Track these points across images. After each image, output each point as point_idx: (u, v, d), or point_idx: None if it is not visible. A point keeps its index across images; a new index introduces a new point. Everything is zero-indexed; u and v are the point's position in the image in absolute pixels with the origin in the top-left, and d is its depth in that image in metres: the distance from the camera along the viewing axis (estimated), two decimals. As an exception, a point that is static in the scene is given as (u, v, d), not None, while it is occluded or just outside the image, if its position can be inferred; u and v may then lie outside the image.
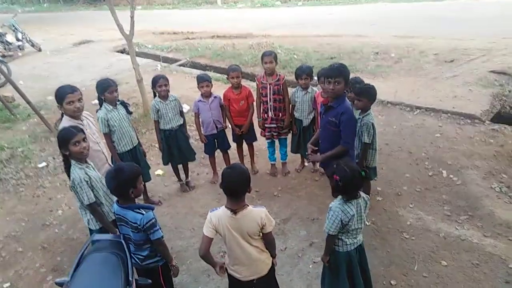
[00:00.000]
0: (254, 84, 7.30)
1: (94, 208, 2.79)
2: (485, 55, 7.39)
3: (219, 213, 2.31)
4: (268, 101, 4.31)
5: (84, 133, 2.79)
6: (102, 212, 2.86)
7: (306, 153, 3.69)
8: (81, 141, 2.72)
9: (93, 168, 2.88)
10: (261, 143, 5.06)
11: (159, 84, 4.06)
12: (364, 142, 3.40)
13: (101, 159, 3.31)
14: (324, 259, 2.66)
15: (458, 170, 4.33)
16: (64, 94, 3.07)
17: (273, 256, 2.52)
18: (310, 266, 3.28)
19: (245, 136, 4.57)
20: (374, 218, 3.75)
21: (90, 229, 2.98)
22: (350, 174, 2.39)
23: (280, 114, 4.37)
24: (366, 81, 3.82)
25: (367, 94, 3.33)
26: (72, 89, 3.11)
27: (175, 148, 4.31)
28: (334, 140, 3.26)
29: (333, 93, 3.15)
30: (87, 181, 2.73)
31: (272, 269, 2.52)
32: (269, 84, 4.25)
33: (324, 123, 3.34)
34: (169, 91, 4.16)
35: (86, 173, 2.75)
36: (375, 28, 10.72)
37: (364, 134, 3.37)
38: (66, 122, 3.11)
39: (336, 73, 3.08)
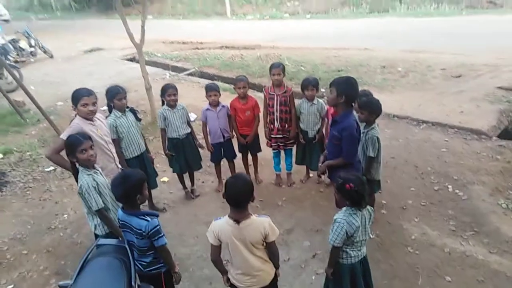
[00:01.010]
0: (261, 94, 7.38)
1: (102, 213, 2.81)
2: (492, 71, 7.40)
3: (221, 223, 2.32)
4: (275, 112, 4.34)
5: (91, 140, 2.84)
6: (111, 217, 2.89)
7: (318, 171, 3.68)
8: (88, 149, 2.76)
9: (101, 174, 2.92)
10: (266, 153, 5.08)
11: (168, 94, 4.12)
12: (369, 156, 3.42)
13: (109, 159, 3.37)
14: (328, 271, 2.65)
15: (464, 186, 4.31)
16: (79, 96, 3.15)
17: (276, 267, 2.51)
18: (313, 278, 3.27)
19: (250, 146, 4.60)
20: (379, 231, 3.73)
21: (96, 235, 3.00)
22: (360, 180, 2.42)
23: (286, 125, 4.40)
24: (373, 94, 3.84)
25: (368, 107, 3.36)
26: (88, 92, 3.20)
27: (182, 156, 4.35)
28: (338, 154, 3.26)
29: (328, 102, 3.34)
30: (94, 187, 2.76)
31: (274, 279, 2.52)
32: (277, 95, 4.29)
33: (330, 136, 3.36)
34: (177, 101, 4.21)
35: (94, 179, 2.78)
36: (382, 42, 10.79)
37: (369, 148, 3.39)
38: (78, 120, 3.19)
39: (332, 82, 3.17)
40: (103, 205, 2.79)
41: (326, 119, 4.33)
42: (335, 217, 2.51)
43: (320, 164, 3.52)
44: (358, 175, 2.56)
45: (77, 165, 2.79)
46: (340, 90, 3.07)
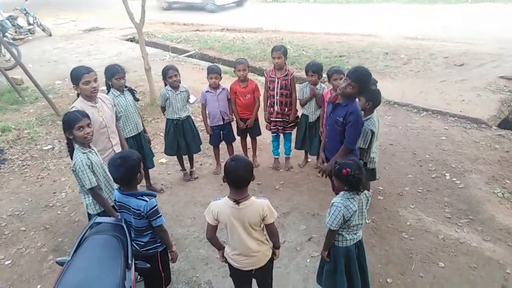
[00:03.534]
0: (262, 78, 7.32)
1: (95, 192, 2.81)
2: (495, 60, 7.33)
3: (221, 203, 2.34)
4: (275, 95, 4.31)
5: (89, 118, 2.80)
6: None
7: (318, 163, 3.59)
8: (85, 127, 2.73)
9: (96, 154, 2.90)
10: (265, 137, 5.08)
11: (169, 75, 4.08)
12: (359, 147, 3.35)
13: (104, 144, 3.30)
14: (323, 253, 2.69)
15: (462, 174, 4.32)
16: (80, 74, 3.07)
17: (276, 247, 2.54)
18: (308, 260, 3.30)
19: (250, 130, 4.59)
20: (374, 216, 3.76)
21: (88, 214, 3.01)
22: (356, 163, 2.43)
23: (286, 108, 4.38)
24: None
25: (366, 94, 3.25)
26: (87, 70, 3.12)
27: (181, 138, 4.34)
28: (340, 139, 3.18)
29: (342, 92, 3.06)
30: (89, 165, 2.75)
31: (270, 261, 2.55)
32: (277, 78, 4.26)
33: (332, 121, 3.23)
34: (180, 81, 4.18)
35: (88, 158, 2.77)
36: (386, 29, 10.66)
37: (360, 139, 3.30)
38: (79, 103, 3.13)
39: (353, 76, 2.97)
40: (96, 184, 2.78)
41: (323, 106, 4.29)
42: (332, 201, 2.53)
43: (321, 163, 3.45)
44: (355, 159, 2.57)
45: (73, 142, 2.78)
46: (362, 87, 2.99)
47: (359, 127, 3.12)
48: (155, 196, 2.53)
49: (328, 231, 2.56)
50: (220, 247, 2.56)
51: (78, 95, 3.23)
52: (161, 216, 2.52)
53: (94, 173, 2.80)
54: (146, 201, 2.44)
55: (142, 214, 2.44)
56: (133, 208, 2.46)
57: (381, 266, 3.20)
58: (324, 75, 4.93)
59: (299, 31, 11.05)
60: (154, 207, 2.46)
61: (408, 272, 3.12)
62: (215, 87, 4.31)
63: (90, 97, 3.17)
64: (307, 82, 4.30)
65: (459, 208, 3.82)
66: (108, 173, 2.91)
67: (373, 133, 3.36)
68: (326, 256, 2.66)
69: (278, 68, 4.25)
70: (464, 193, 4.01)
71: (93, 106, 3.18)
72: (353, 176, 2.40)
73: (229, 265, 2.55)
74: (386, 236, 3.52)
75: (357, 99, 3.20)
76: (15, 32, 11.55)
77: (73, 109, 3.01)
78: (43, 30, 12.58)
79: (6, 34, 10.70)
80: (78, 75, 3.09)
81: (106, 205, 2.87)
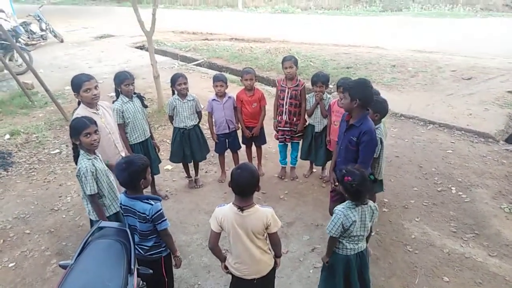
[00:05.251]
0: (269, 88, 7.38)
1: (94, 199, 2.83)
2: (504, 75, 7.31)
3: (226, 209, 2.35)
4: (284, 105, 4.34)
5: (96, 125, 2.84)
6: (102, 204, 2.92)
7: (329, 179, 3.52)
8: (93, 133, 2.77)
9: (101, 161, 2.93)
10: (270, 146, 5.09)
11: (179, 83, 4.13)
12: None
13: (112, 150, 3.36)
14: (324, 259, 2.72)
15: (468, 188, 4.28)
16: (80, 82, 3.13)
17: (278, 255, 2.54)
18: (311, 271, 3.28)
19: (255, 138, 4.61)
20: (379, 229, 3.73)
21: (90, 219, 3.03)
22: (361, 175, 2.43)
23: (295, 118, 4.40)
24: (381, 92, 3.80)
25: (373, 106, 3.21)
26: (87, 77, 3.18)
27: (187, 147, 4.36)
28: (353, 158, 3.08)
29: (342, 106, 3.10)
30: (93, 172, 2.77)
31: (273, 270, 2.54)
32: (288, 88, 4.29)
33: (346, 141, 3.12)
34: (188, 89, 4.22)
35: (93, 165, 2.80)
36: (394, 41, 10.69)
37: None
38: (82, 110, 3.17)
39: (343, 87, 3.02)
40: (96, 191, 2.81)
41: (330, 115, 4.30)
42: (335, 208, 2.55)
43: (332, 182, 3.36)
44: (362, 171, 2.54)
45: (78, 148, 2.82)
46: (353, 94, 2.91)
47: (373, 147, 3.03)
48: (160, 200, 2.56)
49: (329, 237, 2.57)
50: (222, 258, 2.55)
51: (79, 103, 3.27)
52: (166, 220, 2.54)
53: (98, 180, 2.83)
54: (152, 204, 2.46)
55: (147, 217, 2.46)
56: (138, 212, 2.48)
57: (385, 279, 3.16)
58: (331, 86, 4.95)
59: (307, 42, 11.12)
60: (159, 210, 2.48)
61: (412, 286, 3.08)
62: (221, 95, 4.35)
63: (91, 104, 3.21)
64: (313, 93, 4.33)
65: (464, 222, 3.78)
66: (112, 180, 2.95)
67: (381, 141, 3.34)
68: (327, 262, 2.67)
69: (289, 78, 4.29)
70: (470, 207, 3.98)
71: (95, 113, 3.22)
72: (351, 185, 2.41)
73: (231, 274, 2.54)
74: (390, 249, 3.49)
75: (369, 118, 3.13)
76: (28, 37, 11.77)
77: (77, 116, 3.03)
78: (55, 36, 12.81)
79: (19, 39, 10.91)
80: (78, 83, 3.14)
81: (101, 214, 2.88)
